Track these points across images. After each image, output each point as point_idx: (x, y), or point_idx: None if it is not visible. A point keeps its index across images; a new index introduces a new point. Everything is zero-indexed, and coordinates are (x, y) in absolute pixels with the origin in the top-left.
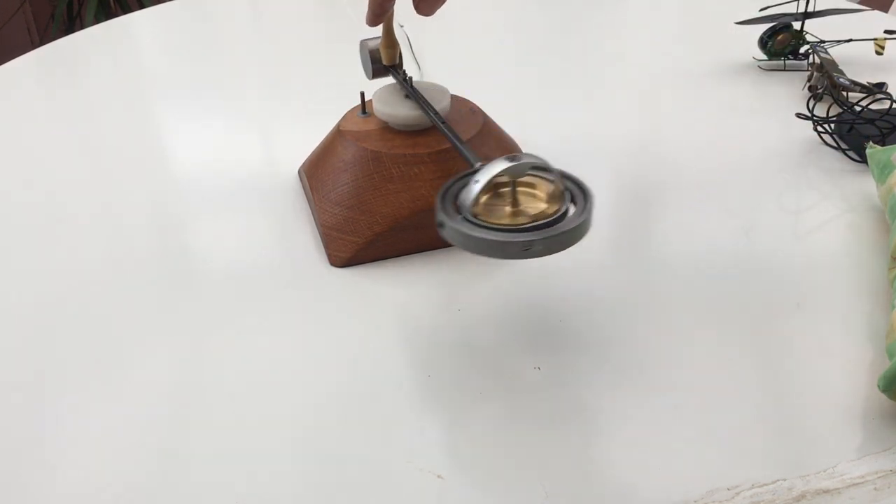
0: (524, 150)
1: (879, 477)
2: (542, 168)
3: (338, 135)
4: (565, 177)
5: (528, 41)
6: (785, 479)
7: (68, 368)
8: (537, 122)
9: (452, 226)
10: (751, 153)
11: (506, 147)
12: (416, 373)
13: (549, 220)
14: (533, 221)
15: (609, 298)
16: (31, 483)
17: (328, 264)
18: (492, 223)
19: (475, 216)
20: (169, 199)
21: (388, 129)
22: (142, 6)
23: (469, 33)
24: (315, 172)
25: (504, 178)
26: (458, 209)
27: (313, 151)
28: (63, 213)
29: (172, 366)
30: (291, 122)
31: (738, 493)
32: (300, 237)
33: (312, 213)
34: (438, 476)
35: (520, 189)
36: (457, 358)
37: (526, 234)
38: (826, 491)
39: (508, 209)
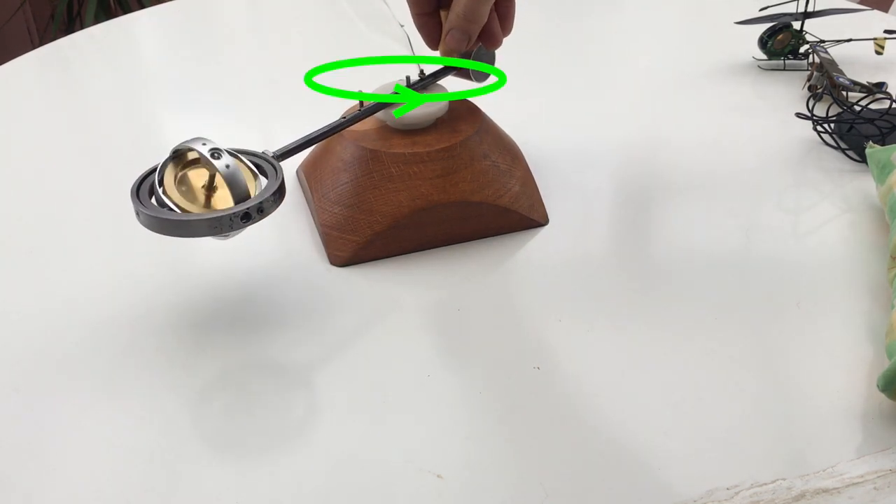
0: (522, 150)
1: (879, 476)
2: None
3: (337, 134)
4: (252, 155)
5: (526, 40)
6: (784, 479)
7: (73, 376)
8: (536, 122)
9: (147, 213)
10: (751, 153)
11: (504, 146)
12: (416, 373)
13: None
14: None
15: (609, 298)
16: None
17: (328, 264)
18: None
19: (177, 205)
20: None
21: (387, 129)
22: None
23: None
24: (314, 172)
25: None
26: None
27: (312, 151)
28: (62, 214)
29: (171, 368)
30: (290, 121)
31: (737, 493)
32: (299, 237)
33: (312, 212)
34: (438, 476)
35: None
36: (457, 358)
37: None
38: (826, 490)
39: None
